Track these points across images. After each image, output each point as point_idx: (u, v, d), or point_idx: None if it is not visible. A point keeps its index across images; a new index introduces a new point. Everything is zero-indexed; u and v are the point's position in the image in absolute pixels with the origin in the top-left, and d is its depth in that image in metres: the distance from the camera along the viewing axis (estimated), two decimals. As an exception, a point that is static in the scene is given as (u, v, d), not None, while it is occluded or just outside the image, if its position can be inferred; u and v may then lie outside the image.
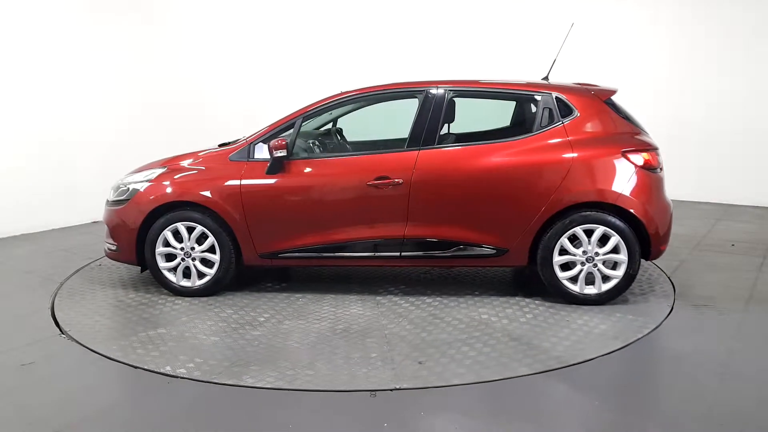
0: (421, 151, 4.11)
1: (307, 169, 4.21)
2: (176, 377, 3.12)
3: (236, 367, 3.21)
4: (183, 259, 4.27)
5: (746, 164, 7.74)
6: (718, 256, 5.35)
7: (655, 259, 4.22)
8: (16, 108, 6.22)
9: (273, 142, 4.07)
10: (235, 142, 4.67)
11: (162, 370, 3.17)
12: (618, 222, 3.98)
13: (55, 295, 4.41)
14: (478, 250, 4.13)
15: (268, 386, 3.01)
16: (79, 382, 3.14)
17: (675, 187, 8.14)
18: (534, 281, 4.43)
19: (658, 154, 4.16)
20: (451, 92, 4.26)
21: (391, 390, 2.96)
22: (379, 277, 4.79)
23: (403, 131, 5.08)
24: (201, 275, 4.29)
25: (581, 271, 4.05)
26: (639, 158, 4.04)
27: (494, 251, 4.12)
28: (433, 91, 4.24)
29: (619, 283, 4.05)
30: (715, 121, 7.91)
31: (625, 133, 4.18)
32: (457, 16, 9.60)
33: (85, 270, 5.06)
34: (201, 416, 2.77)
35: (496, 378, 3.09)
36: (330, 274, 4.90)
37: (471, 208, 4.10)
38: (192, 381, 3.09)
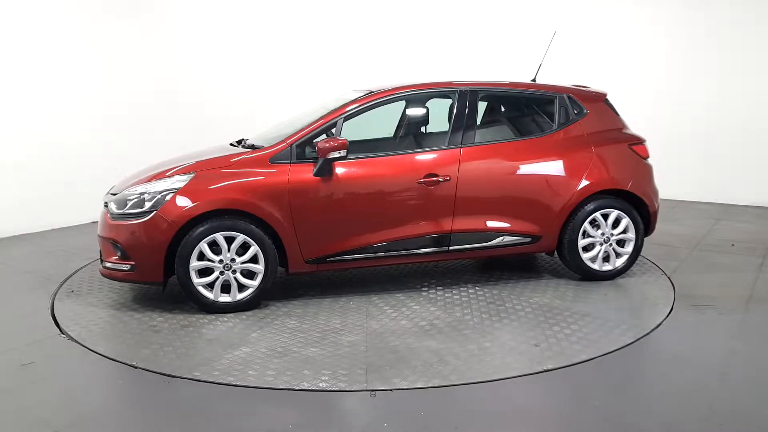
0: (463, 148, 4.30)
1: (355, 169, 4.12)
2: (176, 377, 3.12)
3: (373, 373, 3.14)
4: (222, 273, 3.93)
5: (746, 164, 7.74)
6: (718, 256, 5.35)
7: (650, 234, 4.81)
8: (16, 108, 6.22)
9: (326, 143, 3.94)
10: (244, 141, 4.66)
11: (299, 387, 3.00)
12: (628, 205, 4.57)
13: (55, 295, 4.41)
14: (516, 239, 4.43)
15: (429, 385, 3.00)
16: (79, 382, 3.14)
17: (675, 187, 8.20)
18: (526, 263, 4.51)
19: (647, 146, 4.84)
20: (481, 92, 4.52)
21: (391, 390, 2.96)
22: (401, 274, 4.87)
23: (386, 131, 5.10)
24: (240, 288, 3.99)
25: (599, 251, 4.56)
26: (640, 149, 4.71)
27: (530, 239, 4.46)
28: (466, 90, 4.45)
29: (629, 259, 4.65)
30: (714, 121, 7.90)
31: (620, 128, 4.78)
32: (452, 15, 9.61)
33: (85, 270, 5.06)
34: (201, 416, 2.77)
35: (613, 349, 3.40)
36: (348, 275, 4.85)
37: (511, 200, 4.40)
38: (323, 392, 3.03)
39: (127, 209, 3.95)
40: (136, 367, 3.24)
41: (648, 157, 4.74)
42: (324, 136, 4.17)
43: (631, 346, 3.46)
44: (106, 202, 4.16)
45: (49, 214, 6.54)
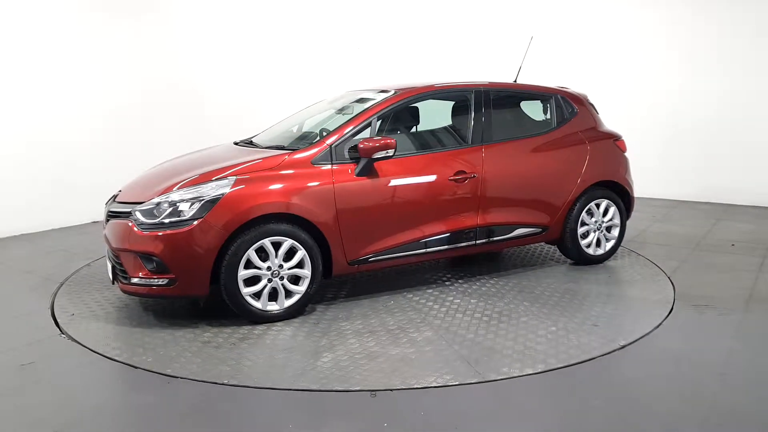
0: (484, 146, 4.51)
1: (393, 168, 4.12)
2: (176, 377, 3.12)
3: (479, 365, 3.22)
4: (270, 280, 3.78)
5: (746, 164, 7.74)
6: (718, 256, 5.35)
7: (628, 219, 5.30)
8: (16, 108, 6.22)
9: (370, 143, 3.94)
10: (250, 139, 4.63)
11: (421, 385, 2.99)
12: (614, 195, 5.09)
13: (55, 295, 4.41)
14: (530, 231, 4.76)
15: (538, 371, 3.14)
16: (79, 382, 3.13)
17: (675, 187, 8.20)
18: (512, 253, 4.68)
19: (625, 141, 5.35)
20: (493, 92, 4.73)
21: (391, 390, 2.96)
22: (410, 271, 4.95)
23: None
24: (287, 295, 3.87)
25: (594, 237, 5.04)
26: (621, 144, 5.21)
27: (541, 230, 4.80)
28: (481, 90, 4.68)
29: (616, 242, 5.18)
30: (715, 122, 7.91)
31: (599, 126, 5.20)
32: (439, 18, 9.66)
33: (85, 270, 5.06)
34: (201, 416, 2.77)
35: (659, 322, 3.81)
36: (363, 275, 4.85)
37: (526, 194, 4.70)
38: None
39: (163, 218, 3.62)
40: (227, 385, 3.06)
41: (626, 150, 5.25)
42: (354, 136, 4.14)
43: (631, 346, 3.47)
44: (126, 212, 3.81)
45: (49, 214, 6.54)
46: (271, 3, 8.70)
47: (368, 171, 4.03)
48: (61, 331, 3.76)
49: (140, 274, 3.67)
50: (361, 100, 4.75)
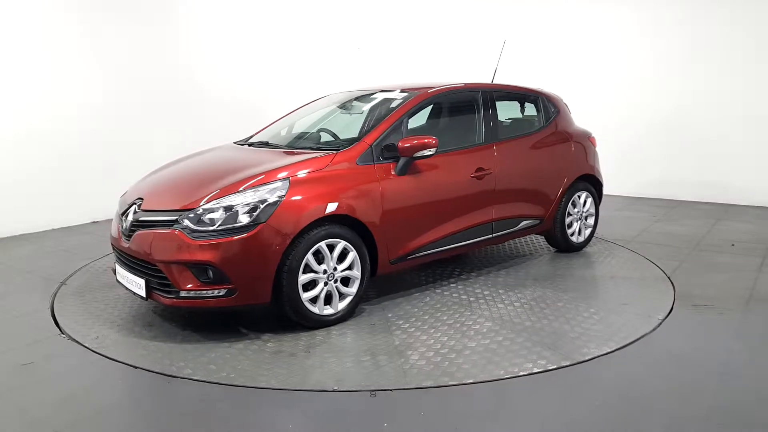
0: (495, 144, 4.71)
1: (427, 166, 4.17)
2: (176, 377, 3.12)
3: (558, 350, 3.37)
4: (325, 283, 3.69)
5: (746, 164, 7.74)
6: (718, 256, 5.35)
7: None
8: (16, 108, 6.22)
9: (411, 142, 3.95)
10: (250, 138, 4.63)
11: (521, 373, 3.09)
12: (591, 186, 5.54)
13: (55, 295, 4.41)
14: (531, 222, 5.05)
15: (613, 349, 3.38)
16: (79, 382, 3.13)
17: (675, 187, 8.20)
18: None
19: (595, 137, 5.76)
20: (496, 93, 4.94)
21: (391, 390, 2.96)
22: (422, 265, 5.00)
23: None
24: (339, 297, 3.80)
25: (577, 227, 5.46)
26: (593, 140, 5.62)
27: (538, 221, 5.12)
28: (488, 91, 4.87)
29: (592, 230, 5.65)
30: (715, 121, 7.91)
31: (574, 124, 5.55)
32: (440, 19, 9.66)
33: (85, 270, 5.06)
34: (201, 416, 2.77)
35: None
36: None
37: (529, 188, 4.98)
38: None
39: (219, 224, 3.40)
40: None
41: (596, 146, 5.68)
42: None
43: (631, 346, 3.46)
44: (170, 220, 3.52)
45: (49, 214, 6.54)
46: (271, 3, 8.70)
47: (407, 170, 4.05)
48: (61, 331, 3.76)
49: (190, 286, 3.41)
50: (363, 99, 4.76)
